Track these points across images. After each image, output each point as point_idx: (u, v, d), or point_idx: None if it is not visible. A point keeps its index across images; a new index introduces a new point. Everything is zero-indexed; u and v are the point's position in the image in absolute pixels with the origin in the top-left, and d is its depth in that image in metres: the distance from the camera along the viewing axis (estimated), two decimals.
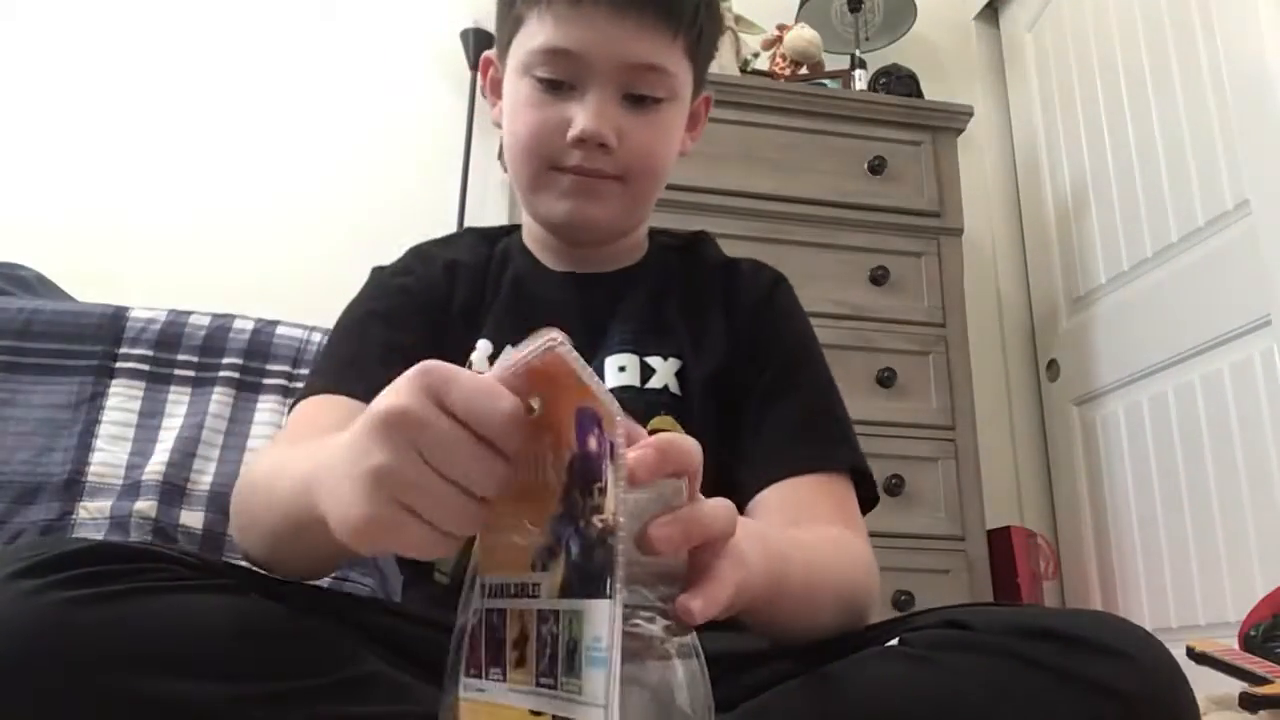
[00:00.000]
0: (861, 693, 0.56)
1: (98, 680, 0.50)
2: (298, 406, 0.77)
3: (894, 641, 0.59)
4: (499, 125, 0.86)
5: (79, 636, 0.50)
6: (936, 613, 0.62)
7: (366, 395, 0.48)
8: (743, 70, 2.19)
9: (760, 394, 0.82)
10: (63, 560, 0.53)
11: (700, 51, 0.83)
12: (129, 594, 0.53)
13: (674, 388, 0.81)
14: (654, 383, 0.81)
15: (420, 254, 0.89)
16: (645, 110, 0.80)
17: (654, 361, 0.82)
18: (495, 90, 0.88)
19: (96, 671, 0.50)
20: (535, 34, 0.78)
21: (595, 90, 0.78)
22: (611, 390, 0.81)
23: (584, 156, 0.79)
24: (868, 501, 0.81)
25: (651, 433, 0.80)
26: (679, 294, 0.87)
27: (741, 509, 0.57)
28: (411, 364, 0.44)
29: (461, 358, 0.80)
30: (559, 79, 0.78)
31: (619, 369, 0.81)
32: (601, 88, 0.78)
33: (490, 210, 2.31)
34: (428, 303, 0.83)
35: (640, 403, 0.79)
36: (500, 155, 0.79)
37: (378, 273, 0.88)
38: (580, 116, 0.77)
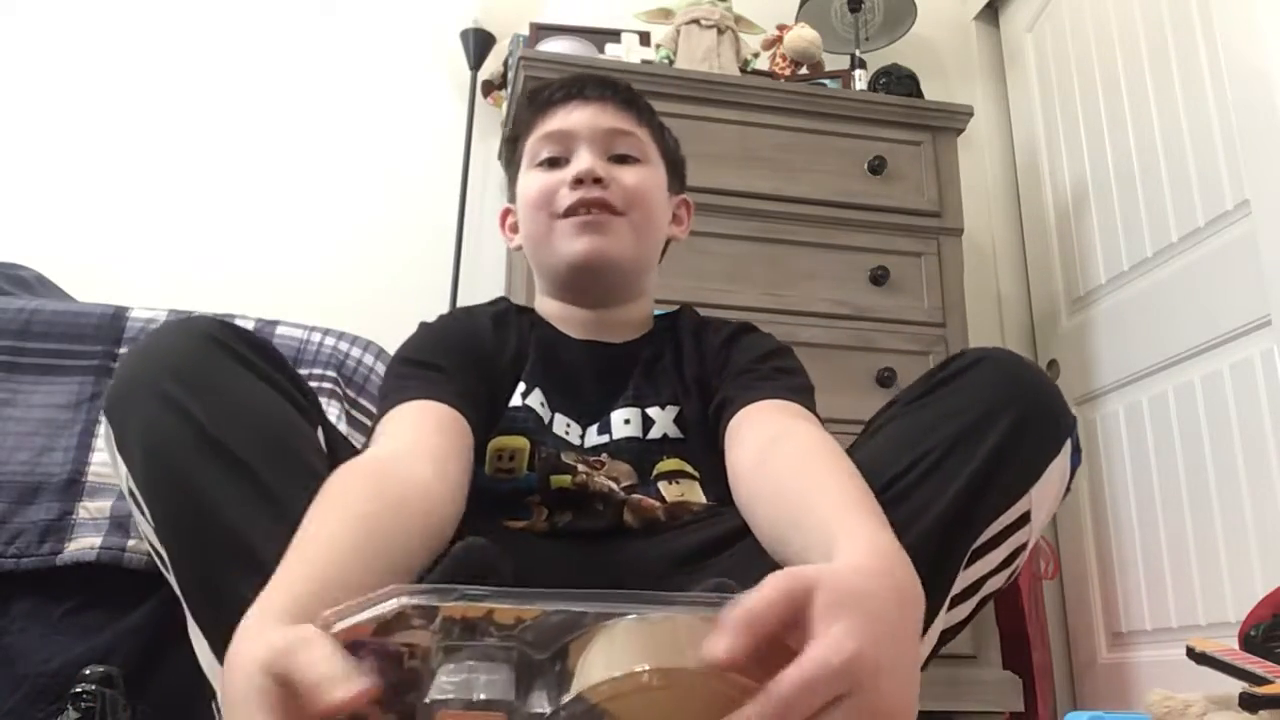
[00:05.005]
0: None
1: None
2: (394, 411, 0.82)
3: None
4: (519, 249, 1.06)
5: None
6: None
7: (457, 399, 0.82)
8: (743, 70, 2.19)
9: (732, 374, 0.93)
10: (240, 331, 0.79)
11: (663, 142, 1.05)
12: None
13: (674, 432, 0.93)
14: (654, 433, 0.93)
15: (467, 310, 1.05)
16: (627, 165, 1.00)
17: (653, 412, 0.94)
18: (514, 229, 1.07)
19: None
20: (535, 133, 1.02)
21: (583, 150, 0.98)
22: (617, 440, 0.91)
23: (584, 191, 0.95)
24: None
25: (661, 475, 0.90)
26: (672, 353, 1.01)
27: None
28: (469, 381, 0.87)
29: (505, 395, 0.93)
30: (556, 156, 0.99)
31: (624, 421, 0.93)
32: (589, 148, 0.98)
33: (489, 208, 2.31)
34: (474, 343, 0.96)
35: (642, 451, 0.91)
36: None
37: (425, 324, 0.99)
38: (575, 165, 0.97)
